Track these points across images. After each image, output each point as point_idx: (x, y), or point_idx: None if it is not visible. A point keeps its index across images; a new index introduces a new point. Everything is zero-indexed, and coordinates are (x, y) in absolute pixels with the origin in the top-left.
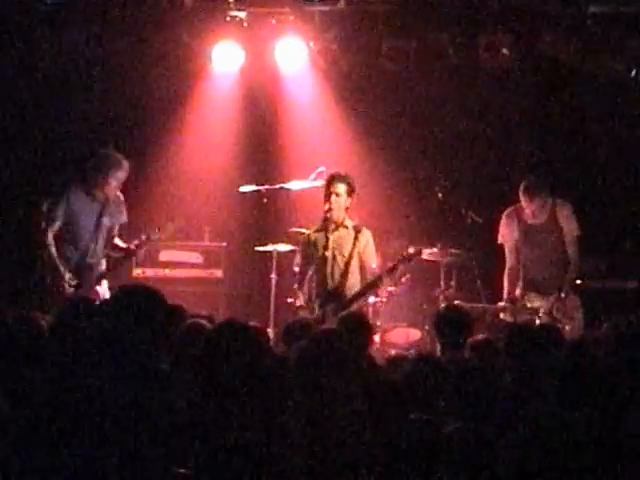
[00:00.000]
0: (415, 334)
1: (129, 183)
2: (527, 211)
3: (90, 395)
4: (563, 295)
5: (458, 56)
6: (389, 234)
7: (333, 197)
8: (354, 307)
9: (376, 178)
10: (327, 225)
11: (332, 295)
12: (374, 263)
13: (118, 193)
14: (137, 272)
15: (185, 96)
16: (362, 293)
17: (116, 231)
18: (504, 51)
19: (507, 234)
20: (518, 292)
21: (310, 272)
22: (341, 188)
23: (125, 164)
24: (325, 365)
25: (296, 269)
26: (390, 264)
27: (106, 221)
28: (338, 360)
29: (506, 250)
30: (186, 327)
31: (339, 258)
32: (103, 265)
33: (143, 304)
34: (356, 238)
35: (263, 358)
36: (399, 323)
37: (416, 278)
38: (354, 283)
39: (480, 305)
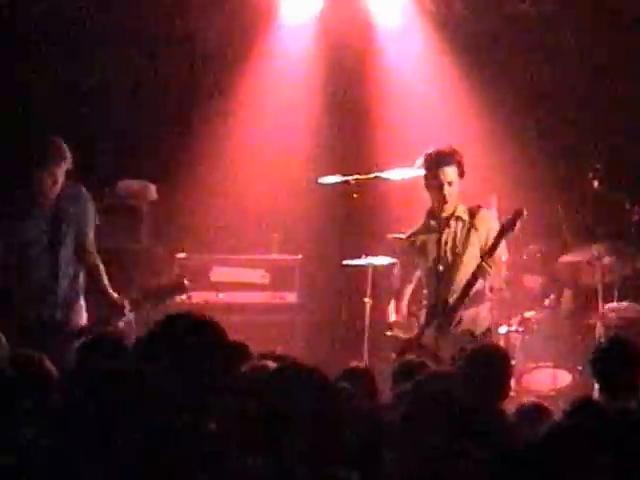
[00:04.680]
0: (564, 377)
1: (167, 178)
2: None
3: (107, 462)
4: None
5: None
6: (527, 237)
7: (446, 188)
8: (459, 316)
9: (507, 164)
10: (434, 223)
11: (440, 308)
12: (504, 254)
13: (74, 184)
14: (181, 297)
15: (244, 57)
16: (464, 293)
17: (88, 241)
18: None
19: None
20: None
21: (413, 284)
22: (452, 174)
23: (63, 152)
24: (435, 420)
25: (396, 283)
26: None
27: (69, 229)
28: (452, 414)
29: None
30: (248, 370)
31: (457, 264)
32: (80, 309)
33: (197, 340)
34: (472, 226)
35: (337, 413)
36: (542, 362)
37: (564, 299)
38: (478, 286)
39: None
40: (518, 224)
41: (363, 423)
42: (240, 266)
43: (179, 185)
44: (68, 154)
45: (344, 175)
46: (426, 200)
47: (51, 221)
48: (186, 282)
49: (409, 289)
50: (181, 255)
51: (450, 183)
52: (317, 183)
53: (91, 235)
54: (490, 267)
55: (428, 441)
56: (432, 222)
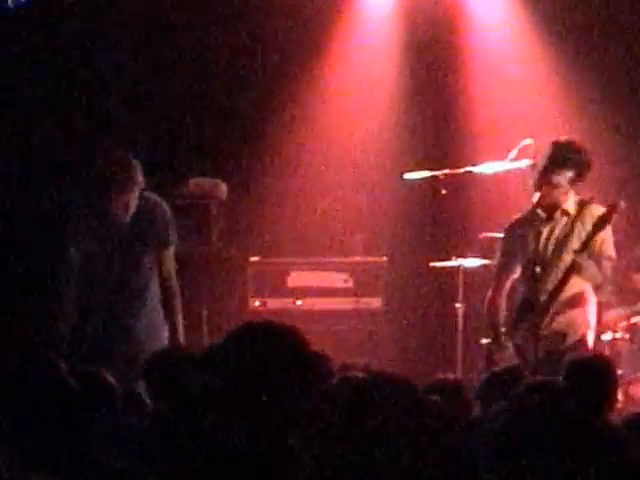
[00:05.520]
0: None
1: (239, 175)
2: None
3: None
4: None
5: None
6: (634, 239)
7: (549, 191)
8: (550, 317)
9: (616, 157)
10: (540, 212)
11: (532, 306)
12: (611, 250)
13: (149, 195)
14: (255, 304)
15: (323, 42)
16: (557, 290)
17: (165, 262)
18: None
19: None
20: None
21: (514, 276)
22: (563, 178)
23: (137, 178)
24: (534, 438)
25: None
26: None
27: (144, 249)
28: (555, 429)
29: None
30: (332, 383)
31: (556, 262)
32: (158, 329)
33: (275, 352)
34: (579, 221)
35: (429, 429)
36: None
37: None
38: (577, 288)
39: None
40: (613, 218)
41: (456, 439)
42: (320, 270)
43: (252, 182)
44: (141, 177)
45: (432, 170)
46: (522, 194)
47: (125, 241)
48: None
49: (509, 282)
50: (255, 259)
51: (557, 186)
52: (403, 179)
53: (168, 254)
54: (584, 261)
55: (529, 460)
56: (537, 211)
